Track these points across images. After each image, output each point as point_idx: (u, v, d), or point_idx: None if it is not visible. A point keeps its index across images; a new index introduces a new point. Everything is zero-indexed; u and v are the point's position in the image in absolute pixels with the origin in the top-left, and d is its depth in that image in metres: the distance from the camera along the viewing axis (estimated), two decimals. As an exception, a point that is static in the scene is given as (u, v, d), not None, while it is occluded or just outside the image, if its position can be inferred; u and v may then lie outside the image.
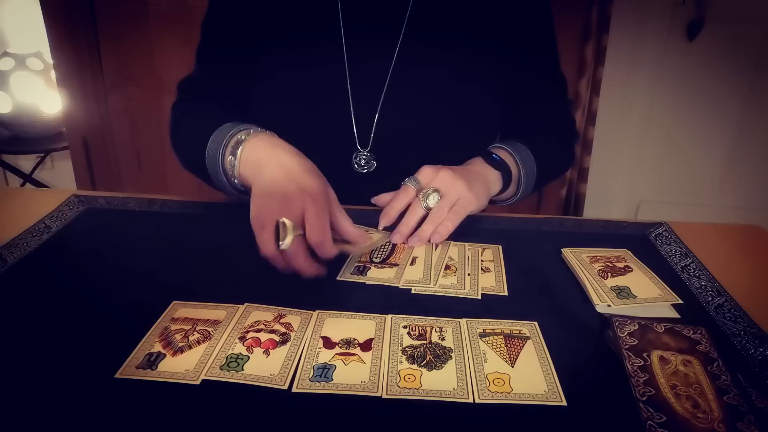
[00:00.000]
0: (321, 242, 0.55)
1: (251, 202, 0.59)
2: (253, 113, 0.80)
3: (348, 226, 0.60)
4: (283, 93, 0.79)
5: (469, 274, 0.63)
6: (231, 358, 0.48)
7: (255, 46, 0.79)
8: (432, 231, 0.67)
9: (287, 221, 0.55)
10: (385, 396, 0.45)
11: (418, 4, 0.77)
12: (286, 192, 0.57)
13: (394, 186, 0.70)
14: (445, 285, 0.60)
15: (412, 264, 0.64)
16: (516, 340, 0.52)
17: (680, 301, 0.58)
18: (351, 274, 0.62)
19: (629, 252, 0.68)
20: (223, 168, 0.66)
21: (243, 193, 0.67)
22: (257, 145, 0.63)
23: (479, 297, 0.59)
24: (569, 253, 0.67)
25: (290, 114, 0.78)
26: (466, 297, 0.59)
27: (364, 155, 0.80)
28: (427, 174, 0.70)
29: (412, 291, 0.59)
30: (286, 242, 0.55)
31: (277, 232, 0.56)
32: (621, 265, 0.64)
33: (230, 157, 0.64)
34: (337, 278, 0.61)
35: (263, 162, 0.61)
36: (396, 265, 0.64)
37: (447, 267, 0.64)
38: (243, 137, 0.64)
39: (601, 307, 0.57)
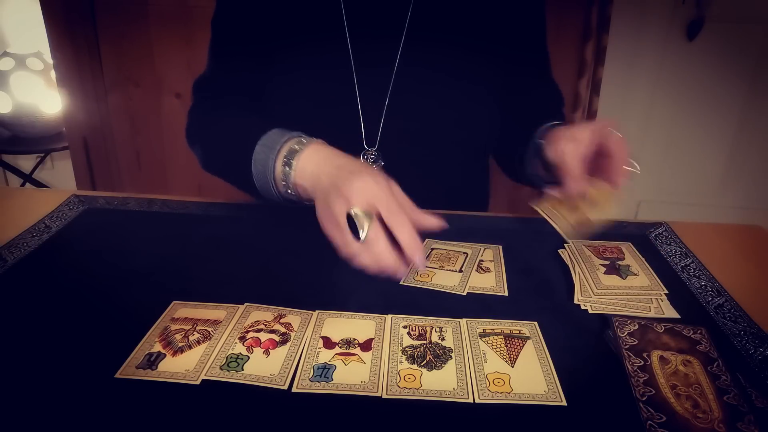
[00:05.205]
0: (401, 223, 0.53)
1: (318, 214, 0.58)
2: (266, 113, 0.81)
3: (420, 214, 0.58)
4: (292, 94, 0.79)
5: (461, 271, 0.63)
6: (231, 358, 0.48)
7: (264, 45, 0.79)
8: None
9: (358, 210, 0.54)
10: (385, 396, 0.45)
11: (418, 5, 0.78)
12: (345, 184, 0.56)
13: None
14: (437, 284, 0.61)
15: (480, 270, 0.64)
16: (516, 340, 0.52)
17: (666, 291, 0.59)
18: (415, 279, 0.61)
19: (632, 246, 0.69)
20: (274, 176, 0.65)
21: (287, 201, 0.66)
22: (312, 156, 0.62)
23: (464, 294, 0.59)
24: (567, 249, 0.67)
25: (301, 114, 0.79)
26: (452, 293, 0.59)
27: (371, 154, 0.80)
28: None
29: (401, 283, 0.60)
30: (365, 229, 0.53)
31: (353, 228, 0.54)
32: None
33: (284, 167, 0.63)
34: (401, 283, 0.60)
35: (319, 170, 0.61)
36: (460, 270, 0.63)
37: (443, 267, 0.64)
38: (297, 147, 0.63)
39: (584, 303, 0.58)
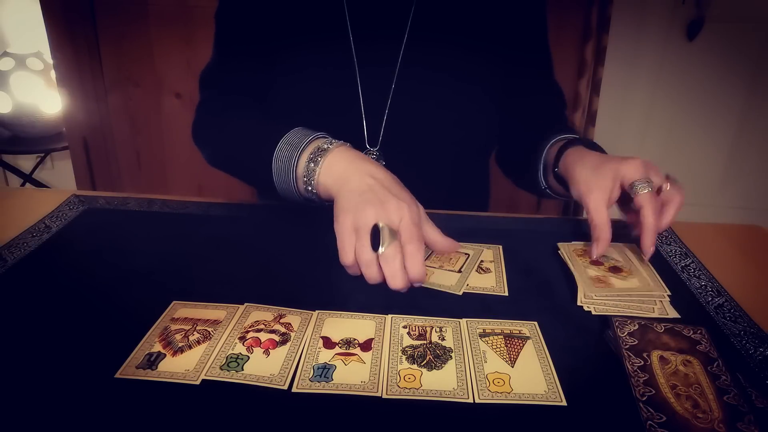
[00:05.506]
0: (415, 252, 0.54)
1: (338, 211, 0.57)
2: (271, 113, 0.81)
3: (437, 236, 0.59)
4: (296, 94, 0.80)
5: (460, 271, 0.63)
6: (231, 358, 0.48)
7: (267, 45, 0.79)
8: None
9: (386, 226, 0.54)
10: (385, 396, 0.45)
11: (420, 6, 0.78)
12: (382, 198, 0.56)
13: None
14: (434, 282, 0.61)
15: (480, 270, 0.64)
16: (516, 340, 0.52)
17: (668, 292, 0.59)
18: None
19: (635, 247, 0.67)
20: (296, 173, 0.64)
21: (305, 200, 0.66)
22: (341, 157, 0.62)
23: (460, 294, 0.59)
24: (564, 248, 0.67)
25: (304, 114, 0.78)
26: (448, 292, 0.59)
27: (373, 154, 0.80)
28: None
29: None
30: (386, 244, 0.53)
31: (372, 239, 0.55)
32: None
33: (309, 164, 0.62)
34: None
35: (349, 172, 0.60)
36: (459, 271, 0.63)
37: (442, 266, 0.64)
38: (325, 146, 0.63)
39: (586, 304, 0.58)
